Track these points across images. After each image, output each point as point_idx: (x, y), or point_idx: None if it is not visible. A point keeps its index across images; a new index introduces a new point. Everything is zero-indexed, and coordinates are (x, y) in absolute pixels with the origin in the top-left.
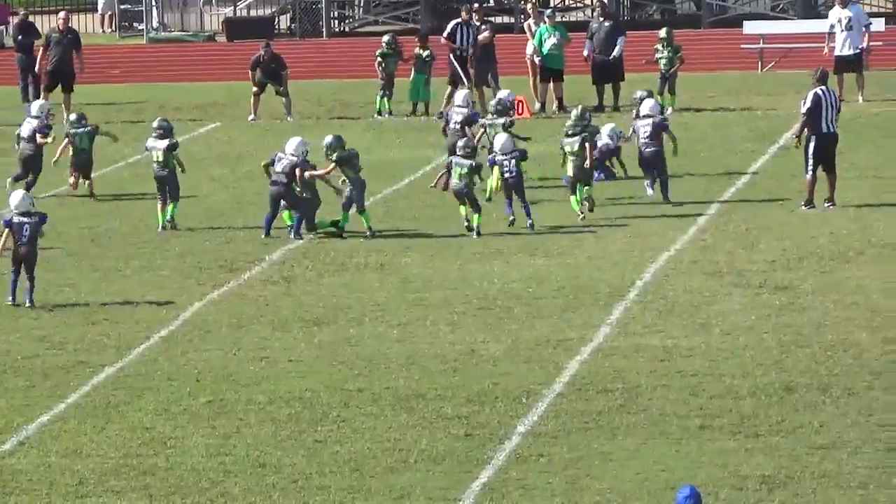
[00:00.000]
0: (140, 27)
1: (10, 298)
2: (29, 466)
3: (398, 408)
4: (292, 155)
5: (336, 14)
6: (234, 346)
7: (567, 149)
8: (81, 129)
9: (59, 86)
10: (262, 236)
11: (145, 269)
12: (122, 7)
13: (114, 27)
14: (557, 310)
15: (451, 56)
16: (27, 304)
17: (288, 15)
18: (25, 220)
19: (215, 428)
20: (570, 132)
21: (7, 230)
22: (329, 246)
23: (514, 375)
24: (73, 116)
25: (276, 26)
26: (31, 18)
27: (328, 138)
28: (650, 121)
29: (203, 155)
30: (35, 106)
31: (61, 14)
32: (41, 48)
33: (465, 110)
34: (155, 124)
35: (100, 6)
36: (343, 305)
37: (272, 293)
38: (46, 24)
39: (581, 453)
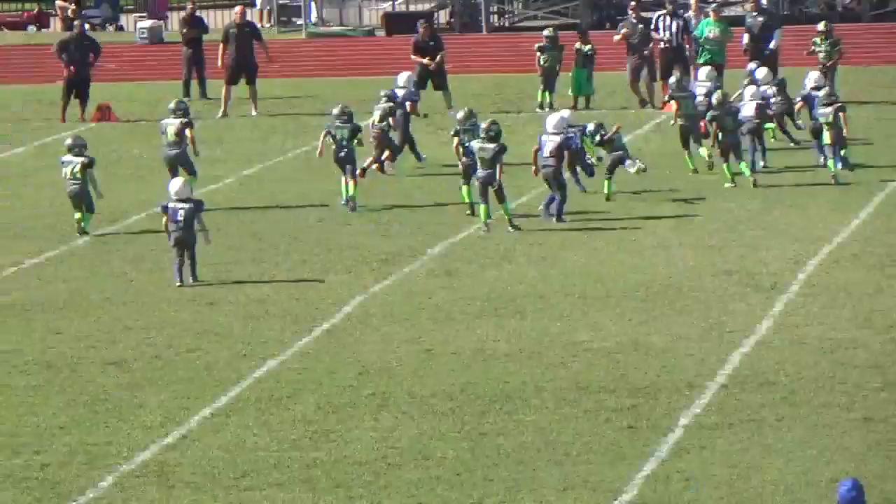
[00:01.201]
0: (299, 22)
1: (178, 281)
2: (191, 460)
3: (561, 400)
4: (553, 133)
5: (495, 9)
6: (396, 339)
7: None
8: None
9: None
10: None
11: (307, 261)
12: (280, 2)
13: (272, 22)
14: (720, 302)
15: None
16: (191, 281)
17: (448, 10)
18: (180, 205)
19: (378, 420)
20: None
21: (165, 215)
22: (491, 239)
23: (677, 367)
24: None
25: (436, 21)
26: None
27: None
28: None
29: (363, 150)
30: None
31: (237, 8)
32: (221, 43)
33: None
34: (336, 111)
35: (258, 1)
36: (505, 298)
37: (434, 286)
38: (210, 18)
39: (744, 445)
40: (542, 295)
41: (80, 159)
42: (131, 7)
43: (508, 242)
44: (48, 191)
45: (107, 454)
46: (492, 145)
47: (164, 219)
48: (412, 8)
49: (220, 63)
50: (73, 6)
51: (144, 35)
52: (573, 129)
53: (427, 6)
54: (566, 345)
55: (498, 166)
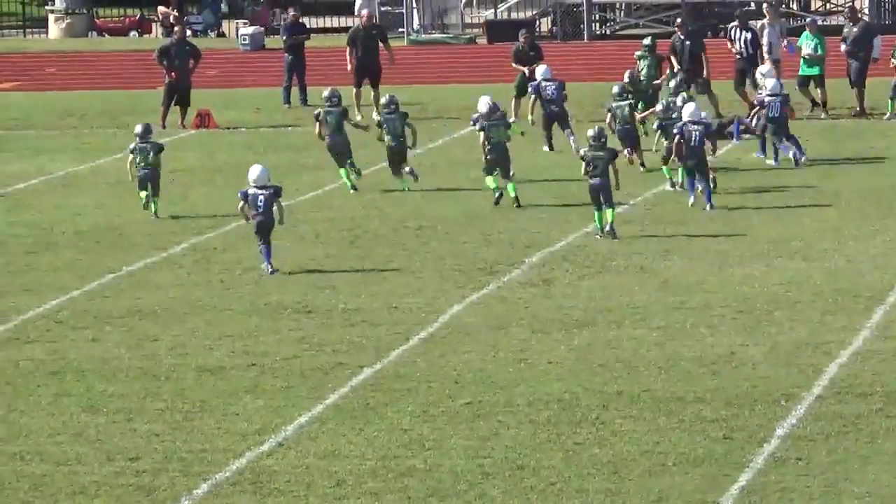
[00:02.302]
0: (401, 29)
1: (269, 268)
2: (287, 467)
3: (657, 410)
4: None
5: (597, 16)
6: (492, 348)
7: None
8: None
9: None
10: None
11: (405, 270)
12: (382, 9)
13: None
14: (817, 313)
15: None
16: (269, 271)
17: (549, 17)
18: (260, 192)
19: (474, 430)
20: None
21: (243, 201)
22: (589, 249)
23: (773, 378)
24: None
25: (538, 29)
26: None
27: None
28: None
29: (464, 157)
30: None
31: (364, 11)
32: (347, 46)
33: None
34: (384, 101)
35: (357, 5)
36: (602, 308)
37: (531, 295)
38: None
39: (840, 457)
40: (639, 305)
41: (152, 145)
42: (234, 13)
43: (607, 252)
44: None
45: (202, 461)
46: (602, 152)
47: (241, 205)
48: (514, 16)
49: (348, 67)
50: (174, 12)
51: (246, 42)
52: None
53: (529, 14)
54: (663, 355)
55: (613, 172)
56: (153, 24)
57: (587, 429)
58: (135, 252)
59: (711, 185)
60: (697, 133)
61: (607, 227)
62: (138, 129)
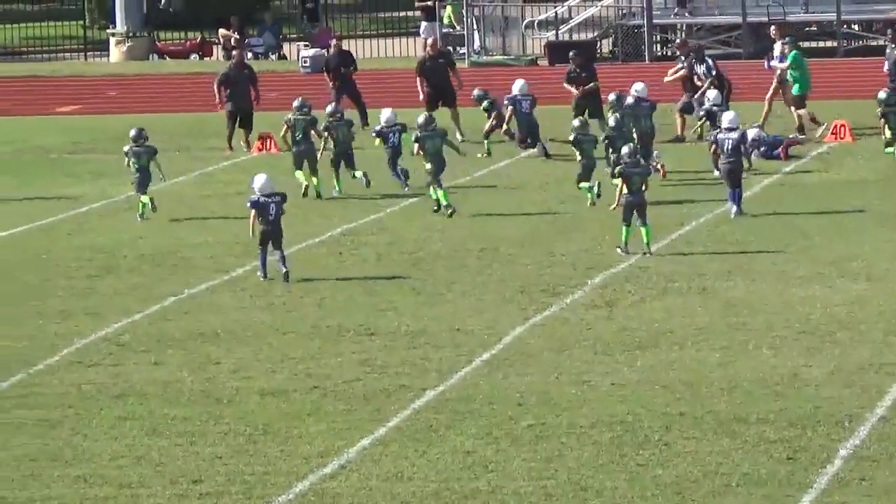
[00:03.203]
0: (462, 51)
1: (262, 274)
2: (350, 490)
3: (720, 432)
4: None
5: (658, 38)
6: (555, 369)
7: None
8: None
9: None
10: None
11: (467, 293)
12: (444, 31)
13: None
14: (879, 333)
15: None
16: (283, 269)
17: (610, 39)
18: (271, 200)
19: (537, 452)
20: None
21: (254, 211)
22: (651, 270)
23: (836, 399)
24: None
25: (599, 50)
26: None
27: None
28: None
29: (524, 179)
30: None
31: (430, 40)
32: (418, 77)
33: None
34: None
35: (422, 31)
36: (665, 329)
37: (594, 317)
38: (361, 48)
39: None
40: (702, 326)
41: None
42: (294, 36)
43: (669, 273)
44: (210, 220)
45: (265, 484)
46: (638, 169)
47: (252, 214)
48: (575, 37)
49: (420, 97)
50: (235, 35)
51: (307, 64)
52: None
53: (590, 35)
54: (726, 376)
55: (645, 189)
56: (214, 47)
57: (650, 450)
58: (197, 275)
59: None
60: (731, 141)
61: (644, 248)
62: (132, 133)
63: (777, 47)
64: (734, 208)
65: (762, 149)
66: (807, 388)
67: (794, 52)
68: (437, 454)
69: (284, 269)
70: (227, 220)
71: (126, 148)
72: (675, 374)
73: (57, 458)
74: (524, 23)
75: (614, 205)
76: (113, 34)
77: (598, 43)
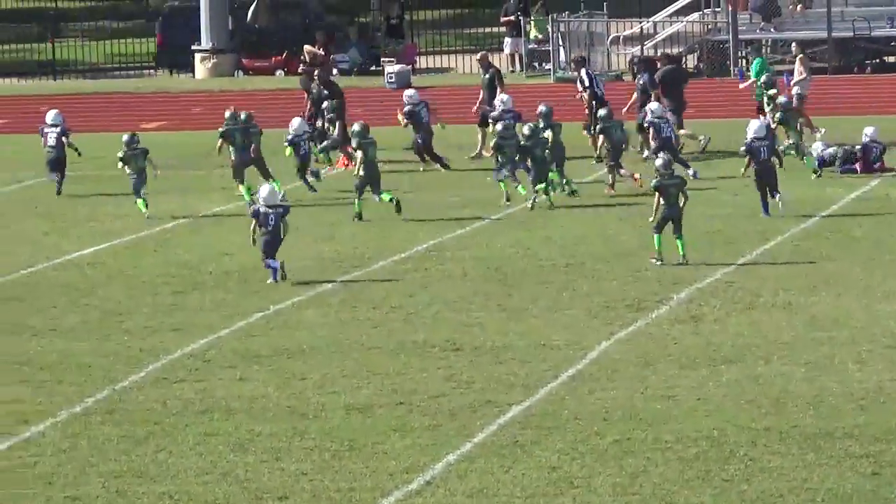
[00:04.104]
0: (547, 66)
1: (274, 278)
2: None
3: (805, 446)
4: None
5: (743, 53)
6: (641, 384)
7: None
8: None
9: None
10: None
11: (552, 308)
12: (529, 47)
13: (520, 67)
14: None
15: None
16: (280, 280)
17: (696, 54)
18: (271, 210)
19: (622, 467)
20: None
21: (255, 220)
22: (737, 285)
23: None
24: None
25: (685, 65)
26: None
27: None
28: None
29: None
30: None
31: (478, 55)
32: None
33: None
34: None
35: (506, 47)
36: (750, 344)
37: (679, 332)
38: (445, 64)
39: None
40: (787, 340)
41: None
42: (382, 52)
43: (754, 288)
44: (294, 235)
45: (350, 500)
46: (673, 181)
47: (254, 223)
48: (660, 52)
49: (474, 108)
50: (321, 51)
51: (392, 80)
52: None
53: (676, 50)
54: (811, 391)
55: (683, 200)
56: (300, 64)
57: (735, 465)
58: (282, 291)
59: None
60: (765, 147)
61: (681, 259)
62: (125, 138)
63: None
64: (780, 204)
65: (842, 164)
66: (893, 403)
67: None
68: (523, 470)
69: (279, 274)
70: (312, 237)
71: (121, 154)
72: (760, 389)
73: (142, 474)
74: (609, 38)
75: (652, 218)
76: (199, 50)
77: (684, 58)
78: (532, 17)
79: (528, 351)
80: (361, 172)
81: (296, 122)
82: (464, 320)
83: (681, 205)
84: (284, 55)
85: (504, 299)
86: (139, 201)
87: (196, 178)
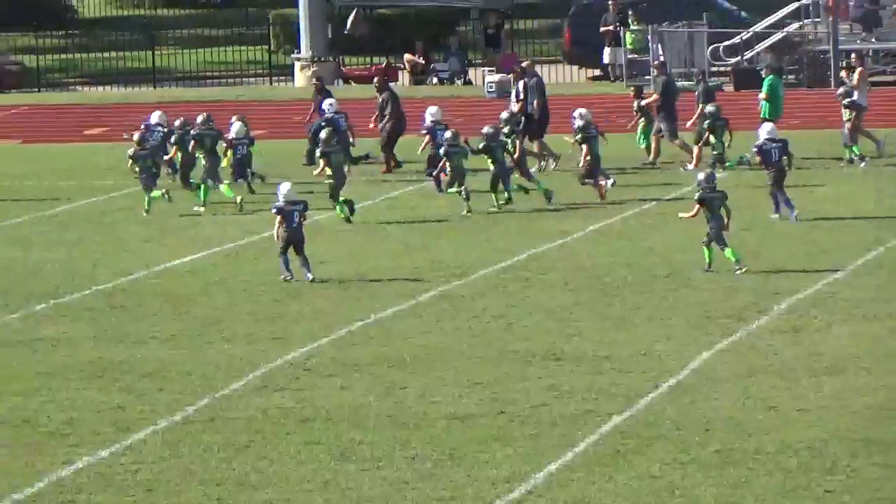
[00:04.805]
0: (647, 77)
1: (285, 276)
2: None
3: None
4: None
5: (844, 63)
6: (742, 395)
7: None
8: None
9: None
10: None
11: (654, 318)
12: (628, 56)
13: (619, 76)
14: None
15: None
16: (308, 280)
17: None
18: (294, 207)
19: (724, 477)
20: None
21: (279, 217)
22: (838, 296)
23: None
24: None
25: (785, 77)
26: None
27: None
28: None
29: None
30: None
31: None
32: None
33: None
34: None
35: (605, 56)
36: (852, 355)
37: (781, 342)
38: (545, 74)
39: None
40: (889, 351)
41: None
42: (480, 61)
43: (856, 298)
44: (393, 244)
45: None
46: (717, 194)
47: (278, 220)
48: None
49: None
50: (421, 60)
51: (492, 89)
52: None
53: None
54: None
55: (726, 214)
56: (399, 72)
57: (838, 476)
58: (382, 299)
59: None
60: (776, 149)
61: (736, 267)
62: (136, 136)
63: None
64: (793, 214)
65: None
66: None
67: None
68: (625, 480)
69: (309, 276)
70: (413, 245)
71: (131, 152)
72: (862, 400)
73: (243, 482)
74: (709, 48)
75: (685, 214)
76: (298, 59)
77: (784, 68)
78: (630, 28)
79: (628, 360)
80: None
81: (236, 126)
82: (564, 330)
83: (726, 219)
84: (385, 64)
85: (605, 309)
86: (154, 192)
87: (295, 186)
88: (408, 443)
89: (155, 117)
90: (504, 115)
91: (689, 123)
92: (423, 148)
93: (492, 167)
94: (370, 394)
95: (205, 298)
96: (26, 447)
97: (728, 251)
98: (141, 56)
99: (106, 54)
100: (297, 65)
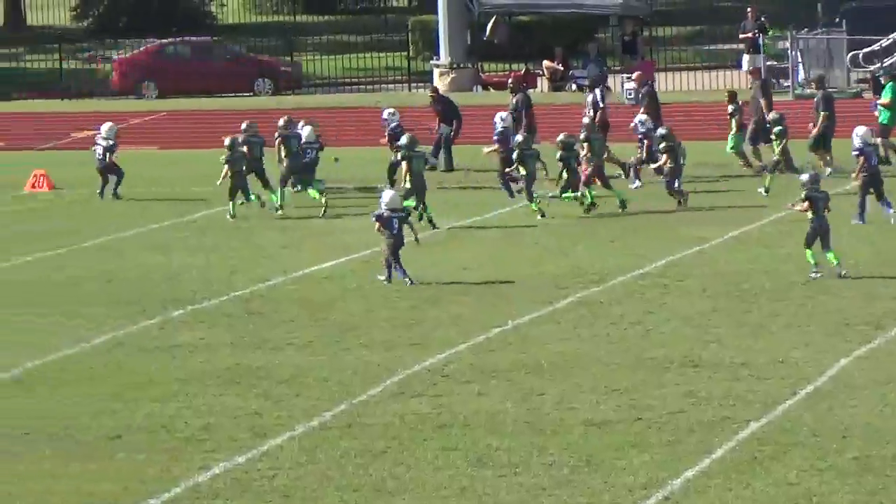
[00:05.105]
0: (786, 83)
1: (388, 279)
2: None
3: None
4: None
5: None
6: (881, 401)
7: None
8: None
9: None
10: None
11: (791, 325)
12: (768, 63)
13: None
14: None
15: None
16: (408, 284)
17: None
18: (394, 214)
19: (861, 484)
20: None
21: (378, 223)
22: None
23: None
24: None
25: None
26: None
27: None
28: None
29: (845, 211)
30: None
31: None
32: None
33: None
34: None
35: (744, 63)
36: None
37: None
38: (684, 81)
39: None
40: None
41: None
42: (618, 68)
43: None
44: (532, 250)
45: None
46: (822, 194)
47: (377, 226)
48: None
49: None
50: (560, 67)
51: (631, 95)
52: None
53: None
54: None
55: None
56: (538, 78)
57: None
58: (521, 306)
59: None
60: (873, 153)
61: (838, 270)
62: (227, 141)
63: None
64: (890, 212)
65: None
66: None
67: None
68: (761, 487)
69: (408, 281)
70: (552, 251)
71: (223, 158)
72: None
73: (380, 488)
74: (848, 55)
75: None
76: (437, 65)
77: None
78: (768, 37)
79: (766, 367)
80: (408, 184)
81: (306, 130)
82: (702, 336)
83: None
84: (523, 70)
85: (742, 315)
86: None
87: (430, 193)
88: (545, 449)
89: (306, 132)
90: (586, 120)
91: (814, 131)
92: (489, 153)
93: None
94: (507, 400)
95: (342, 304)
96: (163, 453)
97: (830, 254)
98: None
99: None
100: (437, 71)
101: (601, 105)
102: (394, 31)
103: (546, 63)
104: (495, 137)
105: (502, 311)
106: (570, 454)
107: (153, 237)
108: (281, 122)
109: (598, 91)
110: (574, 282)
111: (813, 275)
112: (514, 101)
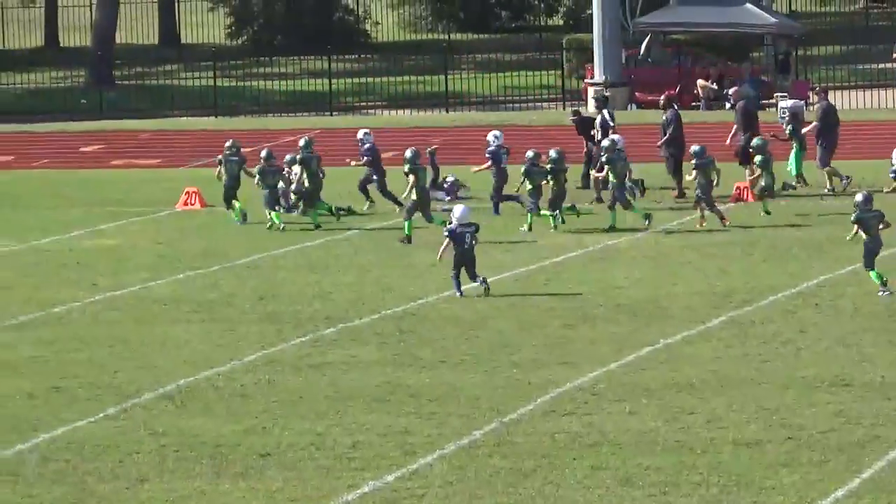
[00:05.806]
0: None
1: (459, 293)
2: None
3: None
4: None
5: None
6: None
7: None
8: None
9: None
10: None
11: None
12: None
13: None
14: None
15: None
16: (483, 292)
17: None
18: (466, 229)
19: None
20: None
21: (448, 238)
22: None
23: None
24: None
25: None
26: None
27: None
28: None
29: None
30: None
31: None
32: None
33: None
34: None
35: None
36: None
37: None
38: (841, 100)
39: None
40: None
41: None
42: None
43: None
44: (685, 269)
45: None
46: (873, 213)
47: (446, 242)
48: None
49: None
50: (714, 86)
51: (785, 115)
52: None
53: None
54: None
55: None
56: (697, 96)
57: None
58: (672, 325)
59: None
60: None
61: (881, 290)
62: (264, 153)
63: None
64: None
65: None
66: None
67: None
68: None
69: (484, 286)
70: (706, 270)
71: (257, 174)
72: None
73: None
74: None
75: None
76: (591, 84)
77: None
78: None
79: None
80: (413, 196)
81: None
82: (854, 356)
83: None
84: (678, 89)
85: (894, 335)
86: (272, 214)
87: (582, 212)
88: (694, 468)
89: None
90: (606, 142)
91: None
92: (481, 170)
93: (553, 188)
94: (657, 419)
95: (494, 322)
96: (313, 471)
97: (873, 273)
98: (435, 80)
99: (399, 78)
100: (591, 90)
101: (611, 125)
102: (548, 49)
103: (700, 82)
104: (487, 155)
105: (654, 330)
106: (719, 474)
107: (307, 255)
108: (301, 142)
109: (605, 112)
110: (727, 300)
111: (882, 293)
112: (665, 118)
